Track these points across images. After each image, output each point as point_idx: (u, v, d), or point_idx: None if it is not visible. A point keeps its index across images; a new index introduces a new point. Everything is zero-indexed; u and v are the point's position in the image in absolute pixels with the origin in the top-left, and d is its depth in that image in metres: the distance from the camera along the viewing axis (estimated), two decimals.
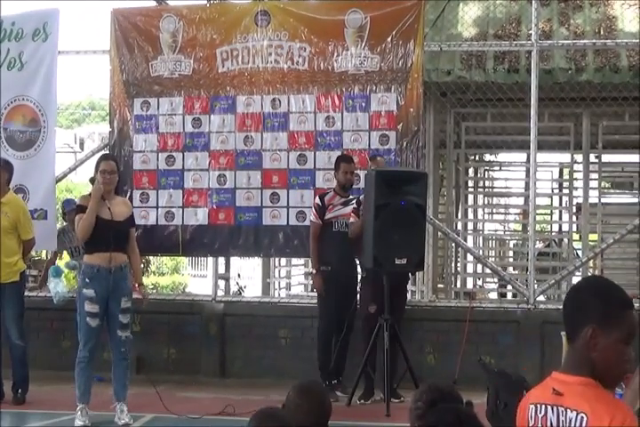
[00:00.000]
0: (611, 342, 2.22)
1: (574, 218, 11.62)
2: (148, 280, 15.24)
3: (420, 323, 8.08)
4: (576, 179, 11.32)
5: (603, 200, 11.12)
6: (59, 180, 9.08)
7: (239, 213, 8.30)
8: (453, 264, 11.21)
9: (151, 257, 17.57)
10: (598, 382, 2.23)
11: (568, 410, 2.22)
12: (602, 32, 9.56)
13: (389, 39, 8.00)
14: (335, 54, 8.13)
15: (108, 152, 8.47)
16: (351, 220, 7.42)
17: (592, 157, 10.92)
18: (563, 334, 2.55)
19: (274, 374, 8.02)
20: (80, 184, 21.30)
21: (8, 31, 8.71)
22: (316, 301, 7.85)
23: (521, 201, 12.88)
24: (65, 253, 9.33)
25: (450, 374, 7.47)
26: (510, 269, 12.45)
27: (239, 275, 14.16)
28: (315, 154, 8.20)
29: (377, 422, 6.70)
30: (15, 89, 8.66)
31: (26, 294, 7.65)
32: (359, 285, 7.57)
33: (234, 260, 10.65)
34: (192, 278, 23.13)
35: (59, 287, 8.16)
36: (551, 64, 9.22)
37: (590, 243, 10.94)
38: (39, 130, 8.64)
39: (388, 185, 7.03)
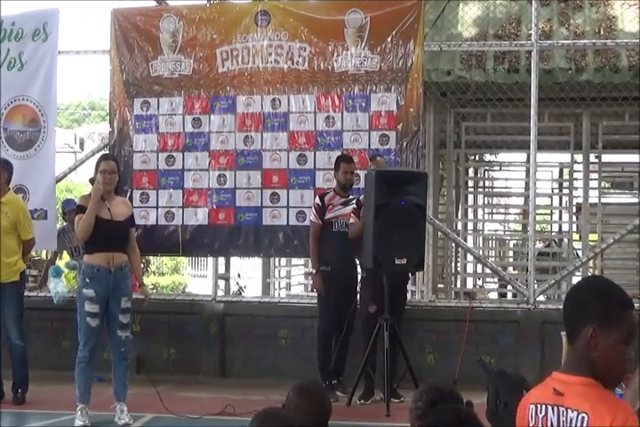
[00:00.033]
0: (611, 341, 2.22)
1: (574, 218, 11.62)
2: (147, 280, 15.23)
3: (420, 323, 8.08)
4: (576, 179, 11.32)
5: (603, 200, 11.13)
6: (59, 180, 9.08)
7: (239, 213, 8.30)
8: (453, 264, 11.20)
9: (151, 257, 17.56)
10: (598, 382, 2.23)
11: (569, 410, 2.22)
12: (602, 32, 9.56)
13: (389, 39, 8.00)
14: (335, 54, 8.13)
15: (107, 152, 8.46)
16: (351, 220, 7.42)
17: (592, 157, 10.92)
18: (563, 334, 2.55)
19: (274, 374, 8.02)
20: (80, 184, 21.31)
21: (8, 31, 8.71)
22: (316, 301, 7.85)
23: (521, 201, 12.88)
24: (65, 253, 9.33)
25: (450, 374, 7.47)
26: (510, 269, 12.45)
27: (239, 275, 14.17)
28: (315, 154, 8.20)
29: (377, 423, 6.70)
30: (15, 89, 8.66)
31: (26, 294, 7.65)
32: (359, 285, 7.57)
33: (234, 260, 10.65)
34: (192, 278, 23.14)
35: (59, 287, 8.16)
36: (551, 64, 9.23)
37: (590, 243, 10.94)
38: (39, 130, 8.64)
39: (388, 185, 7.02)
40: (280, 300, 9.27)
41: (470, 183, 12.00)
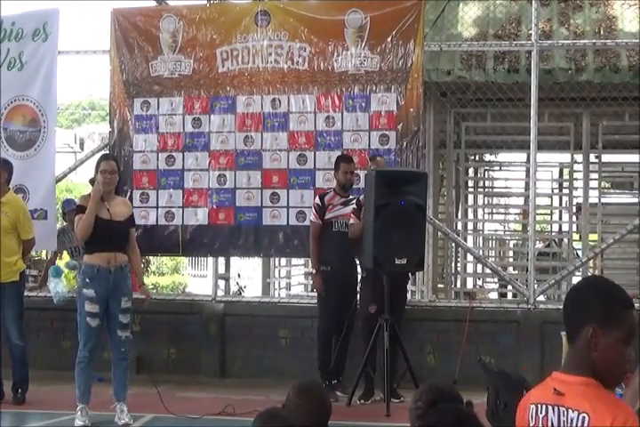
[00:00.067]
0: (611, 341, 2.22)
1: (574, 218, 11.62)
2: (147, 280, 15.23)
3: (420, 323, 8.08)
4: (576, 179, 11.32)
5: (603, 200, 11.13)
6: (59, 180, 9.08)
7: (239, 213, 8.30)
8: (453, 264, 11.20)
9: (151, 257, 17.57)
10: (599, 382, 2.23)
11: (569, 410, 2.22)
12: (602, 32, 9.56)
13: (389, 39, 8.00)
14: (335, 54, 8.13)
15: (108, 152, 8.46)
16: (351, 221, 7.42)
17: (592, 157, 10.92)
18: (563, 334, 2.55)
19: (274, 374, 8.02)
20: (80, 184, 21.31)
21: (8, 31, 8.71)
22: (316, 301, 7.85)
23: (521, 201, 12.88)
24: (65, 253, 9.33)
25: (450, 374, 7.47)
26: (510, 269, 12.45)
27: (239, 275, 14.16)
28: (315, 154, 8.20)
29: (377, 422, 6.70)
30: (15, 89, 8.66)
31: (26, 294, 7.66)
32: (359, 285, 7.57)
33: (234, 260, 10.65)
34: (192, 278, 23.14)
35: (59, 287, 8.16)
36: (551, 64, 9.23)
37: (590, 243, 10.94)
38: (39, 130, 8.64)
39: (388, 185, 7.02)
40: (280, 300, 9.27)
41: (470, 183, 12.00)
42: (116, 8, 8.71)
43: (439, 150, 10.65)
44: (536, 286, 8.18)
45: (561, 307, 2.38)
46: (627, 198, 12.50)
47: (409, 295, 8.41)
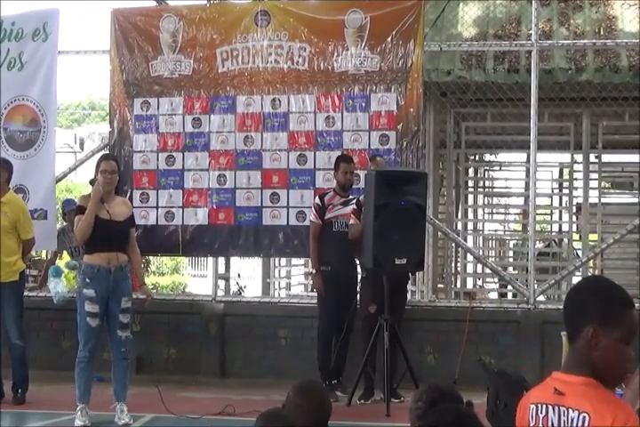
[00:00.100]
0: (611, 341, 2.22)
1: (574, 218, 11.62)
2: (147, 280, 15.23)
3: (420, 323, 8.08)
4: (576, 179, 11.32)
5: (603, 200, 11.13)
6: (59, 180, 9.08)
7: (239, 213, 8.29)
8: (453, 264, 11.20)
9: (151, 257, 17.57)
10: (599, 381, 2.23)
11: (570, 410, 2.22)
12: (602, 32, 9.56)
13: (389, 39, 8.00)
14: (335, 54, 8.13)
15: (108, 152, 8.46)
16: (351, 221, 7.41)
17: (592, 157, 10.92)
18: (563, 334, 2.56)
19: (274, 374, 8.02)
20: (80, 184, 21.32)
21: (8, 31, 8.70)
22: (315, 301, 7.85)
23: (521, 201, 12.88)
24: (65, 253, 9.33)
25: (450, 374, 7.47)
26: (510, 269, 12.44)
27: (239, 275, 14.16)
28: (315, 154, 8.20)
29: (377, 422, 6.70)
30: (15, 89, 8.66)
31: (26, 293, 7.66)
32: (359, 285, 7.57)
33: (234, 260, 10.65)
34: (192, 278, 23.14)
35: (59, 287, 8.16)
36: (551, 64, 9.23)
37: (590, 243, 10.94)
38: (39, 130, 8.64)
39: (388, 185, 7.02)
40: (280, 300, 9.27)
41: (470, 183, 12.00)
42: (116, 8, 8.71)
43: (439, 150, 10.65)
44: (536, 286, 8.18)
45: (561, 307, 2.38)
46: (627, 198, 12.50)
47: (409, 295, 8.41)
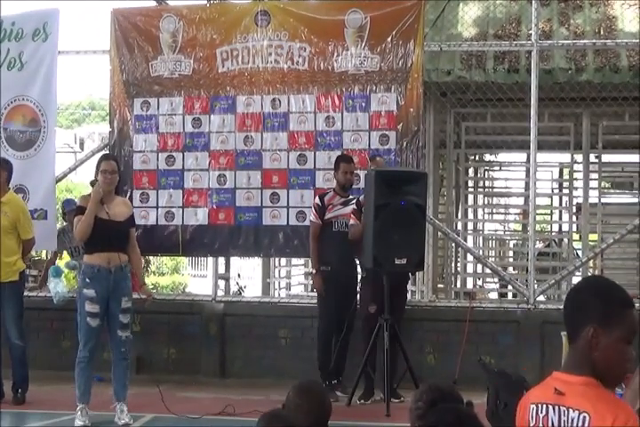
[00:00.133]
0: (612, 341, 2.22)
1: (574, 218, 11.62)
2: (147, 280, 15.23)
3: (420, 323, 8.08)
4: (576, 179, 11.32)
5: (603, 200, 11.13)
6: (59, 180, 9.08)
7: (239, 213, 8.30)
8: (453, 264, 11.20)
9: (151, 257, 17.57)
10: (599, 381, 2.23)
11: (570, 410, 2.22)
12: (602, 32, 9.56)
13: (389, 39, 8.00)
14: (335, 54, 8.13)
15: (108, 152, 8.46)
16: (351, 222, 7.41)
17: (592, 157, 10.92)
18: (563, 334, 2.56)
19: (274, 374, 8.02)
20: (80, 184, 21.33)
21: (8, 31, 8.71)
22: (315, 301, 7.85)
23: (521, 201, 12.88)
24: (65, 253, 9.33)
25: (450, 374, 7.47)
26: (510, 269, 12.44)
27: (239, 275, 14.16)
28: (315, 154, 8.20)
29: (377, 423, 6.70)
30: (15, 89, 8.66)
31: (26, 293, 7.66)
32: (359, 285, 7.57)
33: (234, 260, 10.65)
34: (192, 278, 23.14)
35: (59, 287, 8.16)
36: (551, 64, 9.23)
37: (590, 243, 10.94)
38: (39, 130, 8.64)
39: (388, 185, 7.02)
40: (280, 300, 9.27)
41: (470, 183, 12.00)
42: (116, 8, 8.71)
43: (439, 150, 10.65)
44: (536, 286, 8.18)
45: (561, 307, 2.38)
46: (627, 198, 12.50)
47: (409, 295, 8.41)
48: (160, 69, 8.50)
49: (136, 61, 8.55)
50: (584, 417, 2.18)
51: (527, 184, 10.15)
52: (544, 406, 2.30)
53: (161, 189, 8.47)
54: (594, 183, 11.08)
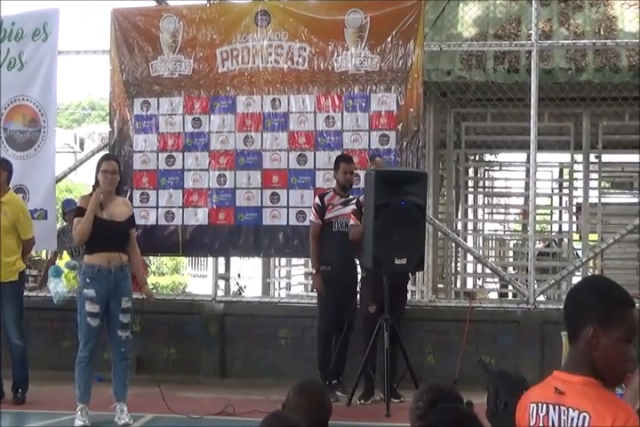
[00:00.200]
0: (612, 341, 2.22)
1: (574, 218, 11.62)
2: (147, 280, 15.23)
3: (420, 323, 8.08)
4: (576, 179, 11.32)
5: (603, 200, 11.12)
6: (59, 180, 9.08)
7: (239, 213, 8.30)
8: (453, 264, 11.20)
9: (151, 257, 17.56)
10: (599, 381, 2.23)
11: (570, 409, 2.22)
12: (602, 32, 9.56)
13: (389, 39, 8.00)
14: (335, 54, 8.13)
15: (108, 152, 8.46)
16: (351, 222, 7.41)
17: (592, 157, 10.92)
18: (563, 334, 2.56)
19: (274, 374, 8.02)
20: (80, 184, 21.32)
21: (8, 31, 8.71)
22: (316, 301, 7.85)
23: (521, 201, 12.88)
24: (65, 253, 9.33)
25: (450, 374, 7.47)
26: (510, 269, 12.44)
27: (239, 275, 14.16)
28: (315, 154, 8.20)
29: (377, 422, 6.70)
30: (15, 89, 8.66)
31: (26, 293, 7.66)
32: (359, 285, 7.57)
33: (234, 260, 10.65)
34: (192, 278, 23.14)
35: (59, 287, 8.16)
36: (551, 64, 9.22)
37: (590, 243, 10.94)
38: (39, 130, 8.64)
39: (387, 185, 7.02)
40: (280, 300, 9.27)
41: (470, 183, 12.00)
42: (116, 8, 8.71)
43: (439, 150, 10.65)
44: (536, 285, 8.18)
45: (561, 307, 2.38)
46: (627, 198, 12.50)
47: (409, 295, 8.41)
48: (160, 69, 8.50)
49: (136, 61, 8.55)
50: (584, 417, 2.18)
51: (527, 184, 10.15)
52: (544, 405, 2.30)
53: (161, 189, 8.47)
54: (594, 183, 11.08)
